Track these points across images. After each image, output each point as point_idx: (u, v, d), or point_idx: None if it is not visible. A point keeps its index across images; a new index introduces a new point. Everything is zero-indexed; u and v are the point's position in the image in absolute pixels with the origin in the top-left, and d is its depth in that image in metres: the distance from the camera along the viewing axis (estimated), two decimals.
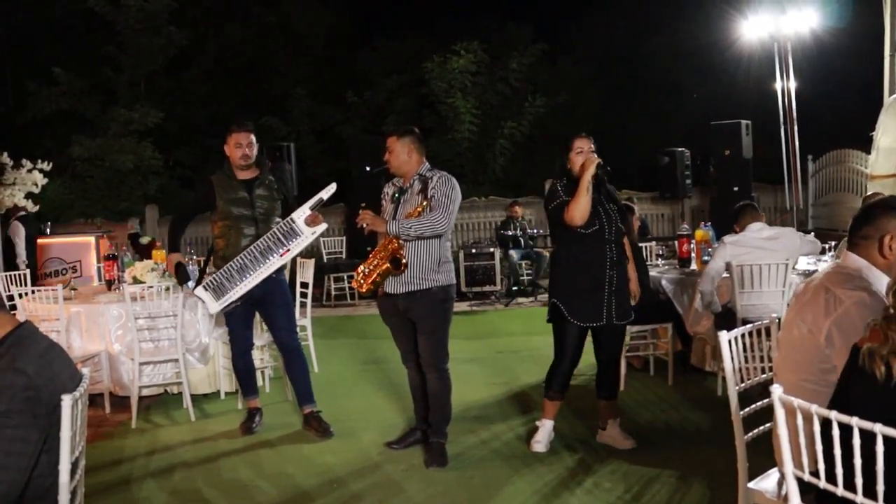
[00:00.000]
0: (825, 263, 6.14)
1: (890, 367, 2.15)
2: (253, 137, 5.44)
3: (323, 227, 5.40)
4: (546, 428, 4.99)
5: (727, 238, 5.97)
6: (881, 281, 2.69)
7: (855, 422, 1.99)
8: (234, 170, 5.48)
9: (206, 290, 5.38)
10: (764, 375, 3.24)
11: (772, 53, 13.64)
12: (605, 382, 5.03)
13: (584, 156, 4.76)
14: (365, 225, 4.80)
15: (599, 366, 5.04)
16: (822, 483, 2.20)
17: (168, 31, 17.91)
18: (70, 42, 19.03)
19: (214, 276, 5.38)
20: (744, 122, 12.79)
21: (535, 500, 4.24)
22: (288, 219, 5.32)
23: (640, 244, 7.39)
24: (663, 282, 6.68)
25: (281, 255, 5.30)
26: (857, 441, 1.99)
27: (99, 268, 8.03)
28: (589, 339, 4.96)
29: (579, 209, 4.65)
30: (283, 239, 5.30)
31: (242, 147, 5.40)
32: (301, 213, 5.31)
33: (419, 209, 4.72)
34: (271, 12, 20.92)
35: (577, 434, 5.24)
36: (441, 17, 20.71)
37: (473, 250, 12.36)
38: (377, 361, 7.76)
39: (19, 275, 7.72)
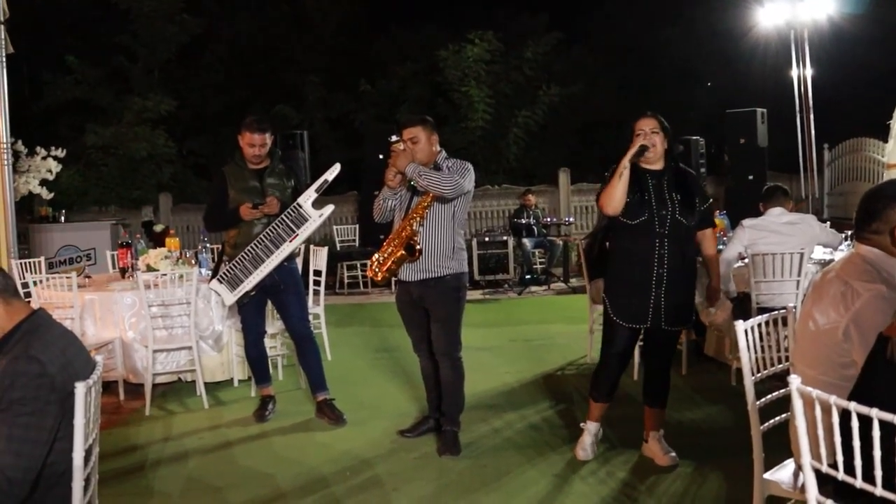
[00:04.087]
0: (841, 253, 6.09)
1: None
2: (267, 138, 5.43)
3: (330, 209, 5.42)
4: (590, 432, 4.61)
5: (746, 221, 5.94)
6: None
7: (875, 413, 1.96)
8: (245, 160, 5.49)
9: (221, 282, 5.44)
10: (780, 366, 3.21)
11: (788, 41, 13.54)
12: (649, 389, 4.61)
13: (640, 139, 4.30)
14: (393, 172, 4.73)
15: (646, 371, 4.69)
16: (841, 475, 2.17)
17: (182, 20, 17.94)
18: (84, 31, 19.07)
19: (229, 268, 5.42)
20: (759, 110, 12.71)
21: (549, 489, 4.23)
22: (294, 204, 5.33)
23: None
24: None
25: (290, 241, 5.31)
26: (876, 433, 1.97)
27: (113, 255, 8.04)
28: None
29: (607, 196, 4.25)
30: (291, 225, 5.31)
31: (255, 147, 5.40)
32: (307, 198, 5.32)
33: (432, 195, 4.70)
34: (285, 0, 20.89)
35: None
36: (455, 6, 20.64)
37: (486, 238, 12.35)
38: (390, 349, 7.77)
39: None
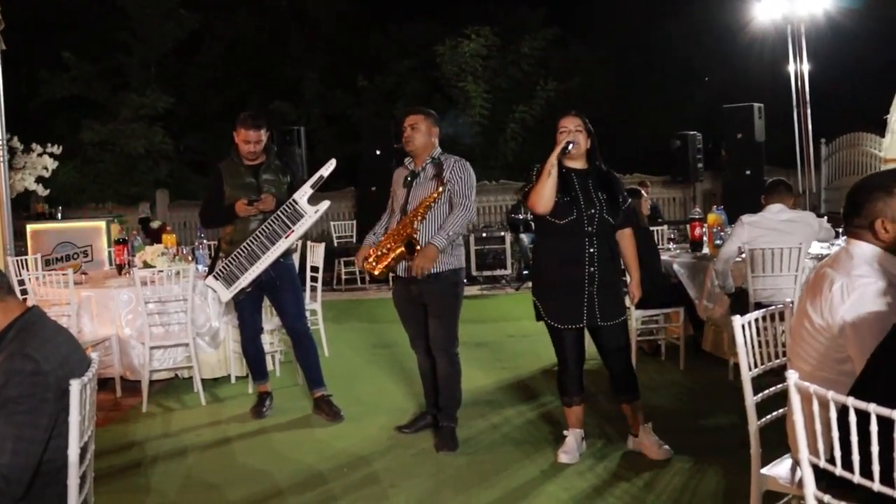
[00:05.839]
0: (837, 247, 6.08)
1: None
2: (262, 134, 5.41)
3: (326, 205, 5.41)
4: (573, 437, 4.56)
5: (745, 218, 5.91)
6: (890, 262, 2.65)
7: (872, 408, 1.95)
8: (240, 156, 5.47)
9: (217, 279, 5.43)
10: (777, 361, 3.20)
11: (785, 36, 13.51)
12: (616, 385, 4.61)
13: (564, 136, 4.33)
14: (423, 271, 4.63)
15: (608, 370, 4.62)
16: (839, 470, 2.17)
17: (178, 15, 17.91)
18: (81, 27, 19.04)
19: (225, 264, 5.40)
20: (756, 105, 12.71)
21: (546, 485, 4.22)
22: (290, 200, 5.32)
23: (652, 228, 7.37)
24: (675, 266, 6.64)
25: (286, 237, 5.30)
26: (874, 428, 1.96)
27: (109, 252, 8.03)
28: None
29: (537, 195, 4.27)
30: (287, 221, 5.30)
31: (250, 144, 5.39)
32: (302, 194, 5.31)
33: (434, 195, 4.69)
34: None
35: (588, 419, 5.20)
36: (452, 1, 20.60)
37: (484, 234, 12.32)
38: (387, 345, 7.76)
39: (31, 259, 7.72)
